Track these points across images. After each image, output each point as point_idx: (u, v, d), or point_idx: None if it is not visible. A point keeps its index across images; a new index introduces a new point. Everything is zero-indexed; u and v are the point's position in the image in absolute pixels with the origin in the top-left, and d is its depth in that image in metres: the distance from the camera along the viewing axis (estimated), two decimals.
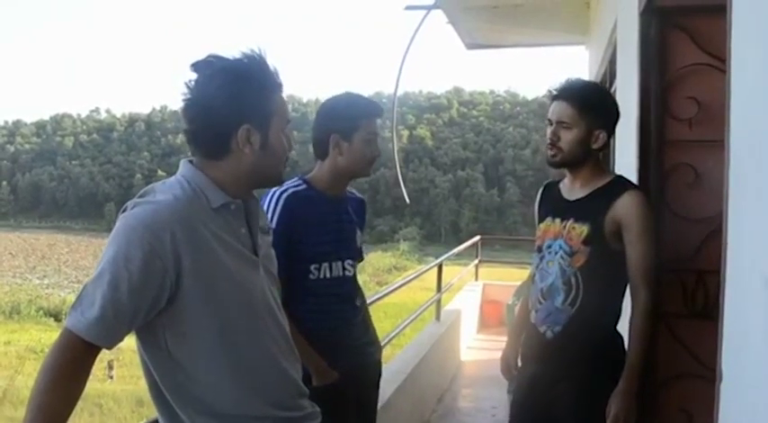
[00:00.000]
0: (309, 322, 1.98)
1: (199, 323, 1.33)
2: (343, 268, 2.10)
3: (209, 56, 1.39)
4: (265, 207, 1.95)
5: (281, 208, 1.98)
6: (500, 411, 4.54)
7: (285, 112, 1.45)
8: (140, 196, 1.37)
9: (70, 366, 1.24)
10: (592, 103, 2.06)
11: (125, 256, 1.26)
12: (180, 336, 1.33)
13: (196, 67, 1.38)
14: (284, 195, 2.00)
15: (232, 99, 1.36)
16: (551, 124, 2.09)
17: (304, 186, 2.06)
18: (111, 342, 1.26)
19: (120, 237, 1.28)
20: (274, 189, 2.03)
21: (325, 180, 2.10)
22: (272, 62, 1.42)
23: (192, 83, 1.37)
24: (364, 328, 2.21)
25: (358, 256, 2.20)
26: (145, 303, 1.27)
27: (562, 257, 2.07)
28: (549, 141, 2.10)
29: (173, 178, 1.41)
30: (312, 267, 2.02)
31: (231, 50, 1.39)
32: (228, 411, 1.36)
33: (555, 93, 2.09)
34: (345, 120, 2.06)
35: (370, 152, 2.08)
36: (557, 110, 2.08)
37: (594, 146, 2.06)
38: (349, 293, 2.15)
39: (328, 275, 2.05)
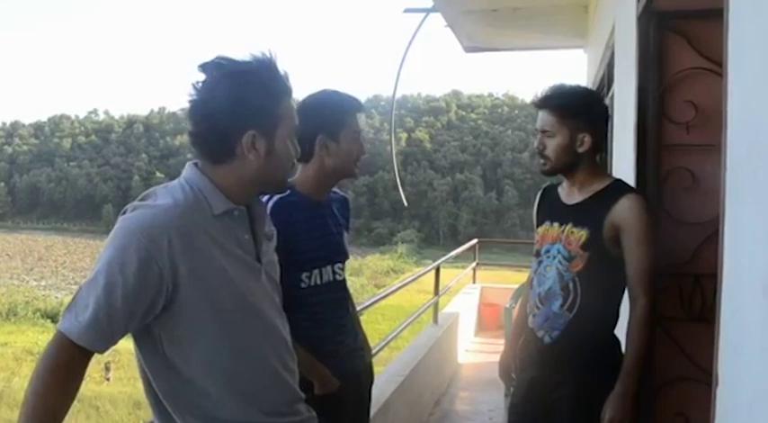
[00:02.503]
0: (303, 330, 1.88)
1: (196, 329, 1.32)
2: (334, 273, 2.04)
3: (218, 57, 1.35)
4: None
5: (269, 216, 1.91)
6: (497, 415, 4.54)
7: (293, 117, 1.42)
8: (141, 199, 1.35)
9: (64, 369, 1.23)
10: (571, 107, 2.06)
11: (121, 260, 1.24)
12: (176, 340, 1.32)
13: (204, 68, 1.34)
14: (269, 203, 1.89)
15: (238, 103, 1.33)
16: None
17: (287, 192, 1.94)
18: (104, 346, 1.25)
19: (118, 240, 1.26)
20: (258, 197, 1.93)
21: (310, 183, 2.00)
22: (282, 66, 1.38)
23: (199, 84, 1.34)
24: (354, 334, 2.16)
25: (346, 258, 2.13)
26: (139, 308, 1.26)
27: (560, 262, 2.06)
28: (537, 151, 2.12)
29: (176, 182, 1.39)
30: (303, 276, 1.96)
31: (241, 52, 1.36)
32: (223, 417, 1.35)
33: (537, 102, 2.11)
34: (331, 119, 1.97)
35: (357, 150, 2.00)
36: (540, 119, 2.10)
37: (580, 149, 2.06)
38: (341, 298, 2.10)
39: (319, 282, 1.99)
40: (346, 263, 2.14)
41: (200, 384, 1.33)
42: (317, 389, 1.94)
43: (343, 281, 2.10)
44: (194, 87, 1.34)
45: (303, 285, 1.95)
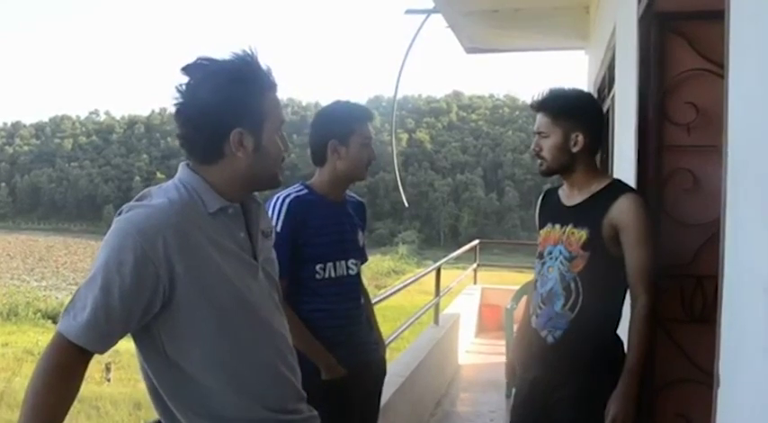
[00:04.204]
0: (316, 320, 2.07)
1: (195, 327, 1.32)
2: (347, 267, 2.18)
3: (200, 58, 1.36)
4: (270, 212, 2.02)
5: (285, 213, 2.07)
6: (498, 416, 4.54)
7: (279, 112, 1.43)
8: (137, 200, 1.36)
9: (63, 369, 1.23)
10: (563, 108, 2.09)
11: (117, 260, 1.24)
12: (176, 339, 1.32)
13: (187, 70, 1.35)
14: (287, 200, 2.09)
15: (223, 102, 1.34)
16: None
17: (305, 191, 2.16)
18: (103, 347, 1.25)
19: (114, 240, 1.27)
20: (278, 195, 2.11)
21: (325, 185, 2.18)
22: (264, 61, 1.39)
23: (184, 87, 1.35)
24: (368, 327, 2.29)
25: (361, 256, 2.29)
26: (137, 308, 1.26)
27: (562, 263, 2.07)
28: (534, 153, 2.16)
29: (170, 182, 1.40)
30: (318, 267, 2.10)
31: (223, 51, 1.37)
32: (227, 414, 1.35)
33: (534, 105, 2.15)
34: (341, 126, 2.15)
35: (367, 155, 2.18)
36: (536, 121, 2.15)
37: (575, 149, 2.08)
38: (353, 292, 2.23)
39: (333, 275, 2.13)
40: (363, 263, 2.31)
41: (202, 382, 1.33)
42: (324, 374, 2.05)
43: (357, 275, 2.25)
44: (178, 90, 1.35)
45: (318, 277, 2.11)
